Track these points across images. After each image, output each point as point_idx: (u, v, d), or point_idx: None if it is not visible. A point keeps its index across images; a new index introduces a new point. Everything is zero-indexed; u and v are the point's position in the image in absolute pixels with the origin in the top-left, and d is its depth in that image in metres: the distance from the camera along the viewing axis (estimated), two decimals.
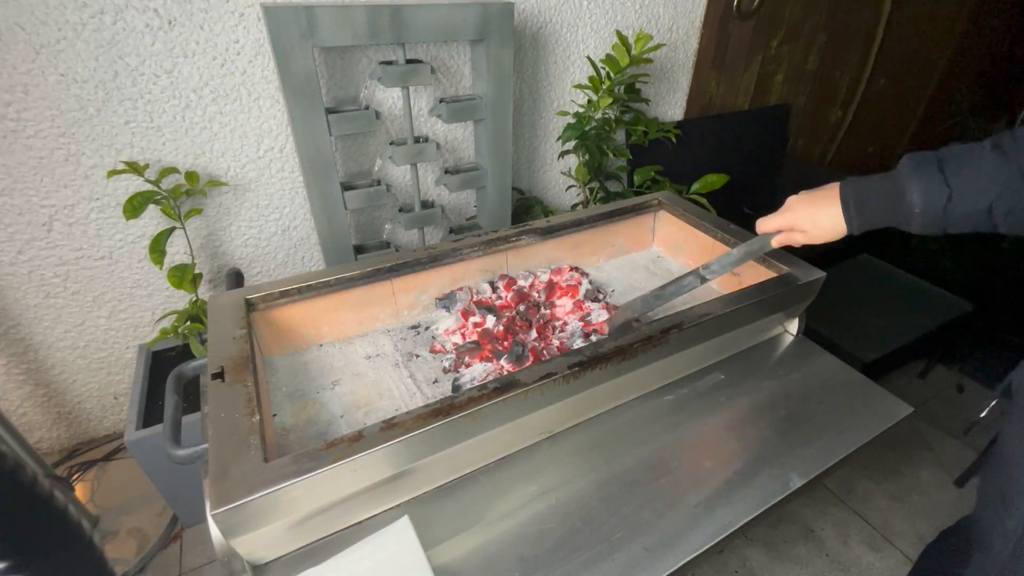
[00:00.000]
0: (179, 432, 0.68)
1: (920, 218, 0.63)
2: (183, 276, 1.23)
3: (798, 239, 0.77)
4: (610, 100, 1.51)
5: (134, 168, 1.14)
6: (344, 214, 1.36)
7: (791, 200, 0.77)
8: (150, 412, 1.22)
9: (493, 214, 1.58)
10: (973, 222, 0.60)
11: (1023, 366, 0.66)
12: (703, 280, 0.86)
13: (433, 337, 0.95)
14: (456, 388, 0.84)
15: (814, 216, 0.73)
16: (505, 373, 0.77)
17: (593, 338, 0.92)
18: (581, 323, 0.95)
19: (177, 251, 1.36)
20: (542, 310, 0.99)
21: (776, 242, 0.80)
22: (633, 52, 1.47)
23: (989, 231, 0.62)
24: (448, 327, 0.95)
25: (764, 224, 0.81)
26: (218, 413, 0.61)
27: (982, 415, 0.80)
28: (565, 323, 0.96)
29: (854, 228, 0.70)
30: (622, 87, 1.57)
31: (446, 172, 1.52)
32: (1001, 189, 0.57)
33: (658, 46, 1.49)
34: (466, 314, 0.96)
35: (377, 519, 0.68)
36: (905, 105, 2.82)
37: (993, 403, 0.79)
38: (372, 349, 0.93)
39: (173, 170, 1.23)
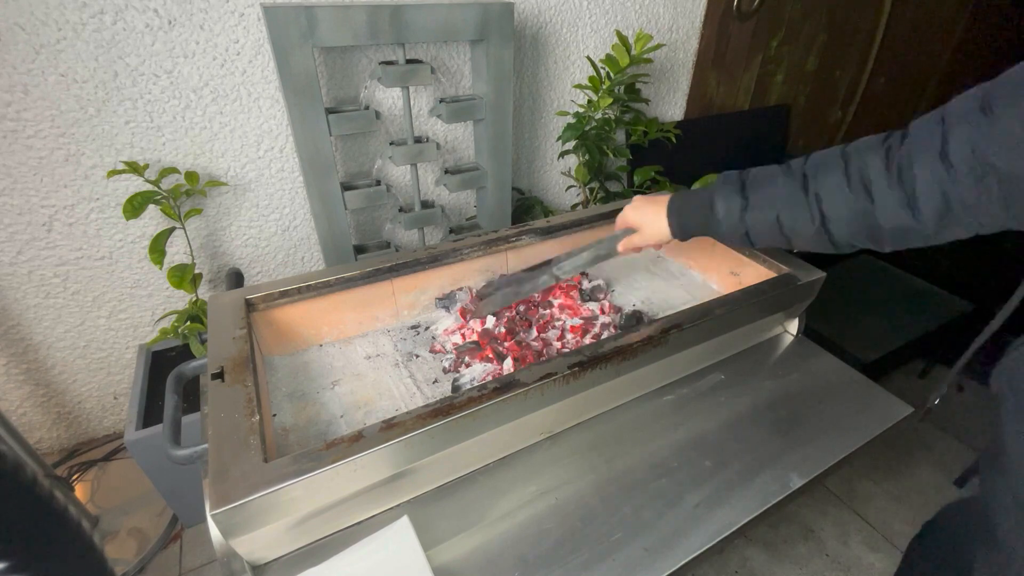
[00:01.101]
0: (179, 432, 0.68)
1: (724, 225, 0.71)
2: (183, 276, 1.23)
3: (635, 240, 0.83)
4: (610, 100, 1.51)
5: (134, 168, 1.14)
6: (344, 214, 1.36)
7: (636, 198, 0.84)
8: (150, 412, 1.22)
9: (493, 214, 1.58)
10: (769, 233, 0.68)
11: (1009, 361, 0.67)
12: (556, 279, 0.92)
13: (433, 337, 0.95)
14: (456, 388, 0.84)
15: (647, 215, 0.81)
16: (503, 374, 0.77)
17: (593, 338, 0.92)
18: (581, 323, 0.95)
19: (177, 251, 1.36)
20: (542, 310, 0.99)
21: (621, 246, 0.86)
22: (633, 52, 1.47)
23: (785, 246, 0.69)
24: (447, 327, 0.95)
25: (620, 218, 0.87)
26: (218, 413, 0.61)
27: (935, 402, 0.81)
28: (564, 323, 0.96)
29: (676, 233, 0.78)
30: (622, 87, 1.57)
31: (446, 172, 1.52)
32: (783, 205, 0.65)
33: (658, 46, 1.49)
34: (465, 313, 0.96)
35: (377, 519, 0.68)
36: (905, 105, 2.82)
37: (944, 391, 0.80)
38: (372, 349, 0.93)
39: (173, 170, 1.23)
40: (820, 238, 0.64)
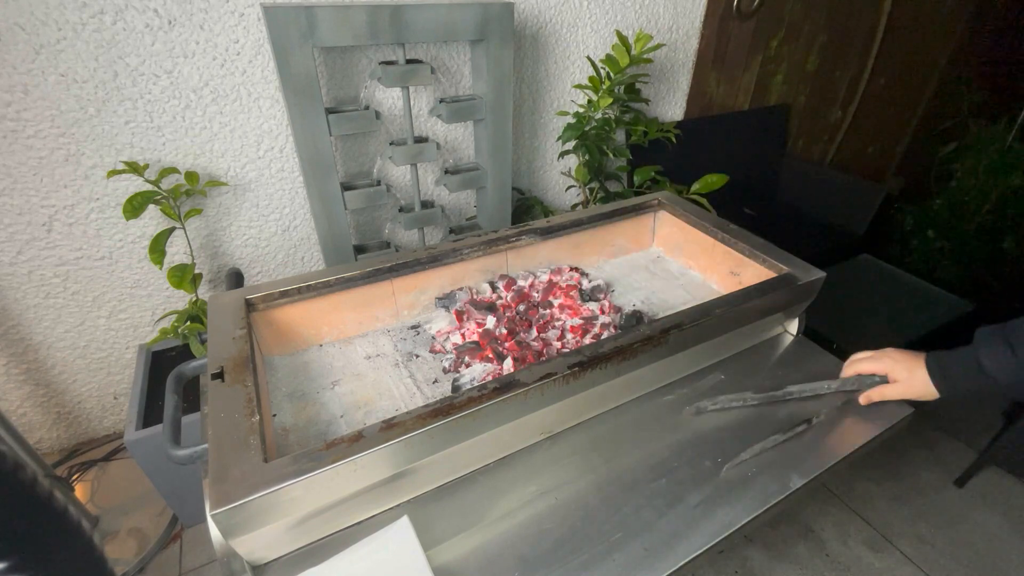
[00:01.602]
0: (179, 432, 0.68)
1: (1000, 380, 0.69)
2: (183, 276, 1.23)
3: (890, 392, 0.81)
4: (610, 100, 1.51)
5: (134, 168, 1.14)
6: (344, 214, 1.36)
7: (888, 350, 0.82)
8: (150, 412, 1.22)
9: (493, 214, 1.58)
10: None
11: None
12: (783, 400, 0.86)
13: (432, 337, 0.95)
14: (456, 388, 0.84)
15: (912, 369, 0.78)
16: (503, 374, 0.77)
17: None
18: (581, 323, 0.95)
19: (177, 251, 1.36)
20: (542, 310, 0.99)
21: (865, 398, 0.84)
22: (633, 52, 1.47)
23: None
24: (441, 328, 0.95)
25: (859, 365, 0.84)
26: (218, 413, 0.61)
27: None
28: (564, 323, 0.96)
29: (946, 393, 0.75)
30: (622, 87, 1.57)
31: (446, 172, 1.52)
32: None
33: (658, 46, 1.49)
34: (460, 315, 0.96)
35: (377, 519, 0.68)
36: (905, 105, 2.82)
37: None
38: (372, 349, 0.93)
39: (173, 170, 1.23)
40: None
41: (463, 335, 0.93)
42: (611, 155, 1.61)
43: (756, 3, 1.89)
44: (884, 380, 0.84)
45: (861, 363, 0.84)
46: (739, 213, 2.13)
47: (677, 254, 1.20)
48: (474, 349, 0.88)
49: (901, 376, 0.79)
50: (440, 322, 0.97)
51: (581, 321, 0.95)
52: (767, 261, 0.97)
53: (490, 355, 0.87)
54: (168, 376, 0.74)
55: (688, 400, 0.87)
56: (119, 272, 1.34)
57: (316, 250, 1.56)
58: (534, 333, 0.94)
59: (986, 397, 0.73)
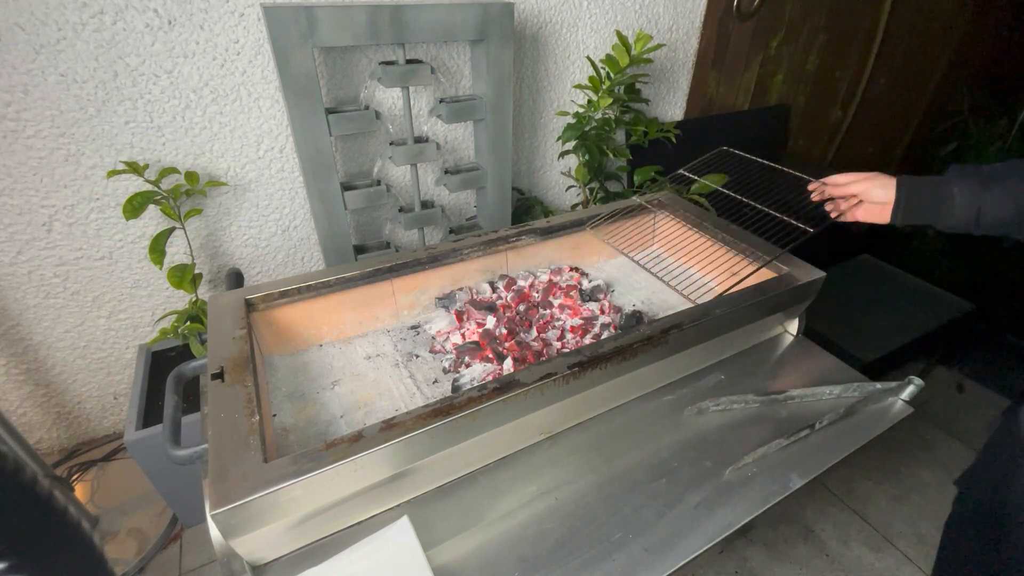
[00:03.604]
0: (179, 432, 0.68)
1: (957, 202, 0.74)
2: (183, 276, 1.23)
3: (845, 206, 0.86)
4: (610, 100, 1.51)
5: (134, 168, 1.14)
6: (344, 214, 1.36)
7: (873, 174, 0.86)
8: (150, 412, 1.22)
9: (493, 214, 1.58)
10: (1004, 215, 0.72)
11: None
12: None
13: (432, 337, 0.95)
14: (456, 388, 0.84)
15: (872, 186, 0.83)
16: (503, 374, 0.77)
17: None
18: (581, 323, 0.95)
19: (177, 251, 1.36)
20: (542, 310, 0.99)
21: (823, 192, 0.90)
22: (633, 52, 1.47)
23: (1015, 233, 0.73)
24: (441, 328, 0.95)
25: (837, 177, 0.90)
26: (218, 413, 0.61)
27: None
28: (564, 323, 0.96)
29: (899, 207, 0.80)
30: (622, 87, 1.57)
31: (446, 172, 1.52)
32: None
33: (658, 46, 1.49)
34: (460, 315, 0.96)
35: (377, 519, 0.68)
36: (905, 105, 2.82)
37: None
38: (372, 349, 0.93)
39: (173, 170, 1.23)
40: None
41: (463, 335, 0.93)
42: (611, 155, 1.61)
43: (756, 3, 1.89)
44: (891, 384, 0.84)
45: (836, 180, 0.89)
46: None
47: (677, 254, 1.20)
48: (474, 349, 0.88)
49: (860, 189, 0.85)
50: (440, 322, 0.97)
51: (581, 321, 0.95)
52: (767, 261, 0.97)
53: (490, 355, 0.87)
54: (168, 376, 0.74)
55: (688, 400, 0.87)
56: (119, 272, 1.34)
57: (316, 250, 1.56)
58: (534, 333, 0.94)
59: (930, 224, 0.79)
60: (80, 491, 1.41)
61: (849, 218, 0.88)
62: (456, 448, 0.66)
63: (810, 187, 0.95)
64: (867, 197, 0.84)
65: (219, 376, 0.67)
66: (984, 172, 0.76)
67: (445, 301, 1.00)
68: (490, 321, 0.94)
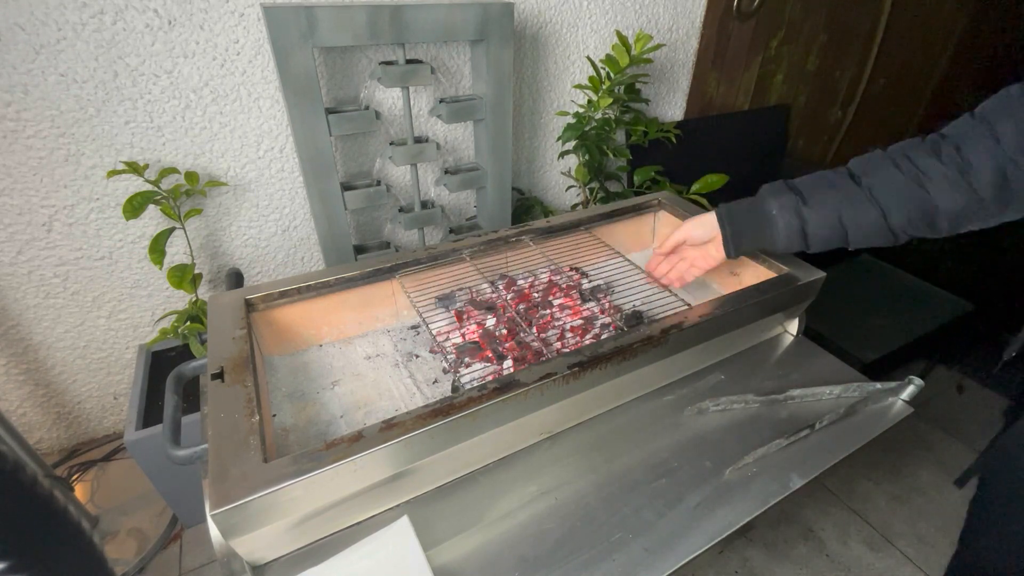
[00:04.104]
0: (179, 432, 0.68)
1: (779, 223, 0.74)
2: (183, 276, 1.23)
3: (684, 266, 0.88)
4: (610, 100, 1.51)
5: (134, 168, 1.14)
6: (344, 214, 1.36)
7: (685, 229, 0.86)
8: (150, 412, 1.22)
9: (493, 214, 1.58)
10: (829, 227, 0.71)
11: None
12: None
13: (433, 337, 0.95)
14: (456, 388, 0.84)
15: (690, 227, 0.84)
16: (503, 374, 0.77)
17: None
18: (581, 323, 0.95)
19: (177, 251, 1.36)
20: (542, 310, 0.99)
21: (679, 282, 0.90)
22: (633, 52, 1.47)
23: (842, 243, 0.72)
24: (441, 328, 0.95)
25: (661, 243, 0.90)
26: (218, 413, 0.61)
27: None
28: (564, 323, 0.96)
29: (729, 243, 0.80)
30: (622, 87, 1.57)
31: (446, 172, 1.52)
32: (841, 199, 0.69)
33: (658, 46, 1.49)
34: (460, 315, 0.96)
35: (377, 519, 0.68)
36: (905, 105, 2.82)
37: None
38: (372, 349, 0.93)
39: (173, 170, 1.23)
40: (881, 229, 0.69)
41: (463, 335, 0.93)
42: (611, 155, 1.61)
43: (756, 3, 1.89)
44: (891, 384, 0.84)
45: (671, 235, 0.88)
46: None
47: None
48: (474, 349, 0.88)
49: (695, 234, 0.84)
50: (440, 322, 0.97)
51: (581, 321, 0.95)
52: (767, 261, 0.97)
53: (490, 355, 0.87)
54: (168, 376, 0.74)
55: (688, 400, 0.87)
56: (119, 272, 1.34)
57: (316, 250, 1.56)
58: (534, 333, 0.94)
59: (763, 248, 0.81)
60: (80, 491, 1.41)
61: (691, 276, 0.88)
62: (456, 448, 0.66)
63: (648, 276, 0.96)
64: (692, 241, 0.84)
65: (219, 376, 0.67)
66: (795, 186, 0.75)
67: (445, 301, 1.00)
68: (490, 321, 0.94)
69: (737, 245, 0.80)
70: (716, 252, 0.84)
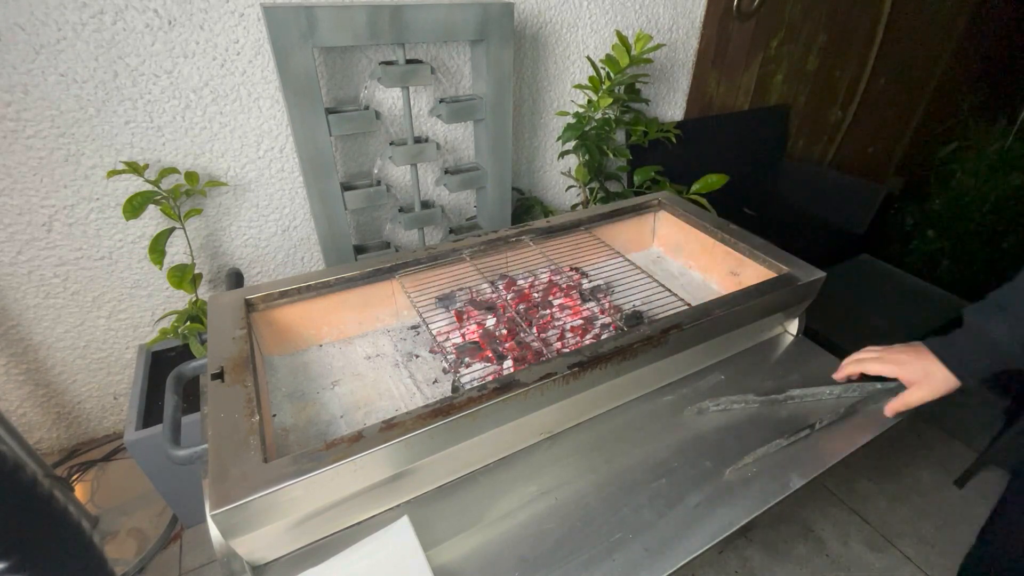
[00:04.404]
0: (179, 432, 0.68)
1: (1007, 343, 0.66)
2: (183, 276, 1.23)
3: (914, 399, 0.76)
4: (610, 100, 1.51)
5: (134, 168, 1.14)
6: (344, 214, 1.36)
7: (893, 349, 0.77)
8: (150, 412, 1.22)
9: (493, 214, 1.58)
10: None
11: None
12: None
13: (433, 337, 0.95)
14: (456, 388, 0.84)
15: (927, 368, 0.73)
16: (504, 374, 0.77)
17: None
18: (581, 323, 0.95)
19: (177, 251, 1.36)
20: (542, 310, 0.99)
21: (890, 410, 0.80)
22: (633, 52, 1.47)
23: None
24: (441, 328, 0.95)
25: (866, 365, 0.80)
26: (218, 413, 0.61)
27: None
28: (565, 323, 0.96)
29: (968, 379, 0.71)
30: (622, 87, 1.57)
31: (446, 172, 1.52)
32: None
33: (658, 46, 1.49)
34: (460, 315, 0.96)
35: (377, 519, 0.68)
36: (905, 105, 2.82)
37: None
38: (372, 349, 0.93)
39: (173, 170, 1.23)
40: None
41: (463, 335, 0.93)
42: (611, 155, 1.61)
43: (756, 3, 1.89)
44: (890, 384, 0.83)
45: (867, 363, 0.80)
46: (739, 213, 2.13)
47: (677, 254, 1.20)
48: (474, 349, 0.88)
49: (917, 377, 0.74)
50: (440, 322, 0.97)
51: (581, 321, 0.95)
52: (767, 261, 0.97)
53: (490, 355, 0.87)
54: (168, 376, 0.74)
55: (688, 400, 0.87)
56: (119, 272, 1.34)
57: (316, 250, 1.56)
58: (534, 333, 0.94)
59: (997, 371, 0.70)
60: (80, 491, 1.41)
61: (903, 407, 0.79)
62: (456, 448, 0.66)
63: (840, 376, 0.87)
64: (923, 386, 0.74)
65: (219, 376, 0.67)
66: (997, 302, 0.69)
67: (445, 301, 1.00)
68: (490, 321, 0.94)
69: (975, 379, 0.72)
70: (950, 384, 0.73)
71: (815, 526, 1.44)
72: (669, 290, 0.95)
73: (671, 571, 0.63)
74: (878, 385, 0.85)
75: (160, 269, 1.22)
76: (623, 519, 0.69)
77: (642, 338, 0.75)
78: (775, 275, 0.93)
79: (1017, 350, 0.66)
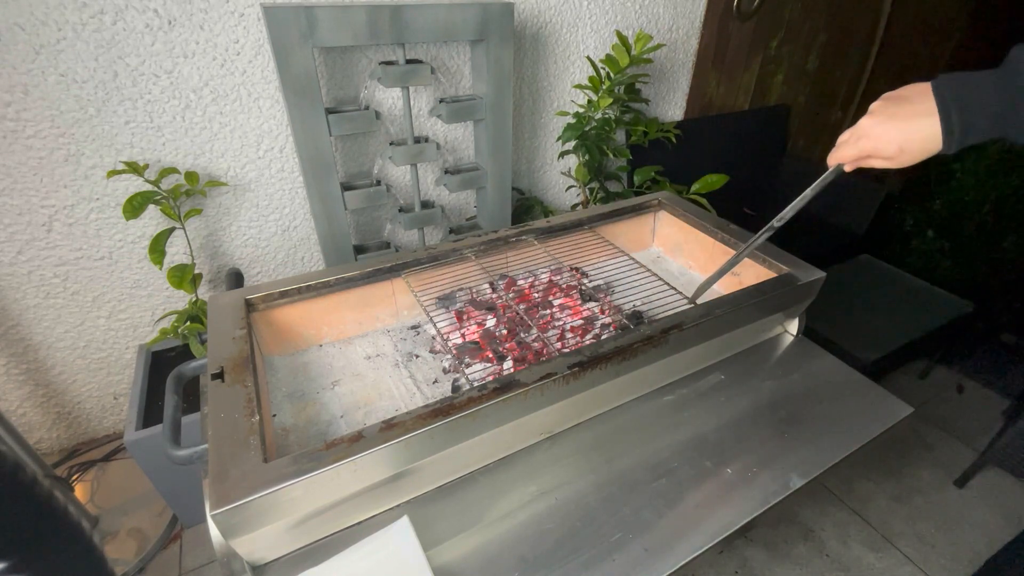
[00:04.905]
0: (179, 432, 0.68)
1: None
2: (183, 276, 1.23)
3: (877, 164, 0.64)
4: (610, 100, 1.51)
5: (134, 168, 1.14)
6: (344, 214, 1.36)
7: (866, 122, 0.63)
8: (150, 412, 1.22)
9: (493, 214, 1.58)
10: None
11: None
12: (773, 229, 0.83)
13: (432, 337, 0.95)
14: (456, 388, 0.84)
15: (902, 138, 0.59)
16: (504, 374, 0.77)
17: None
18: (581, 323, 0.95)
19: (177, 251, 1.36)
20: (542, 310, 0.99)
21: (850, 168, 0.68)
22: (633, 52, 1.47)
23: None
24: (441, 329, 0.95)
25: (837, 155, 0.68)
26: (218, 413, 0.61)
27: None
28: (564, 323, 0.96)
29: (954, 143, 0.56)
30: (622, 87, 1.57)
31: (446, 172, 1.52)
32: None
33: (658, 46, 1.49)
34: (460, 315, 0.96)
35: (377, 519, 0.68)
36: None
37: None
38: (372, 349, 0.93)
39: (173, 170, 1.23)
40: None
41: (463, 335, 0.93)
42: (611, 155, 1.61)
43: (756, 3, 1.89)
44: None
45: (841, 152, 0.68)
46: (739, 213, 2.13)
47: (677, 254, 1.20)
48: (474, 349, 0.88)
49: (889, 152, 0.62)
50: (440, 322, 0.97)
51: (581, 321, 0.95)
52: (767, 261, 0.97)
53: (490, 355, 0.87)
54: (168, 376, 0.74)
55: (688, 400, 0.87)
56: (119, 272, 1.34)
57: (316, 250, 1.56)
58: (534, 333, 0.94)
59: (986, 138, 0.57)
60: (80, 491, 1.41)
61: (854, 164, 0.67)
62: (456, 448, 0.66)
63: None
64: (899, 145, 0.61)
65: (219, 376, 0.67)
66: None
67: (445, 301, 1.00)
68: (490, 321, 0.94)
69: (964, 137, 0.56)
70: (923, 148, 0.60)
71: (815, 526, 1.44)
72: (674, 288, 0.95)
73: (671, 571, 0.63)
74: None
75: (160, 269, 1.22)
76: (623, 519, 0.69)
77: (642, 338, 0.75)
78: (775, 275, 0.93)
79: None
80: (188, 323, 1.24)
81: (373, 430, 0.60)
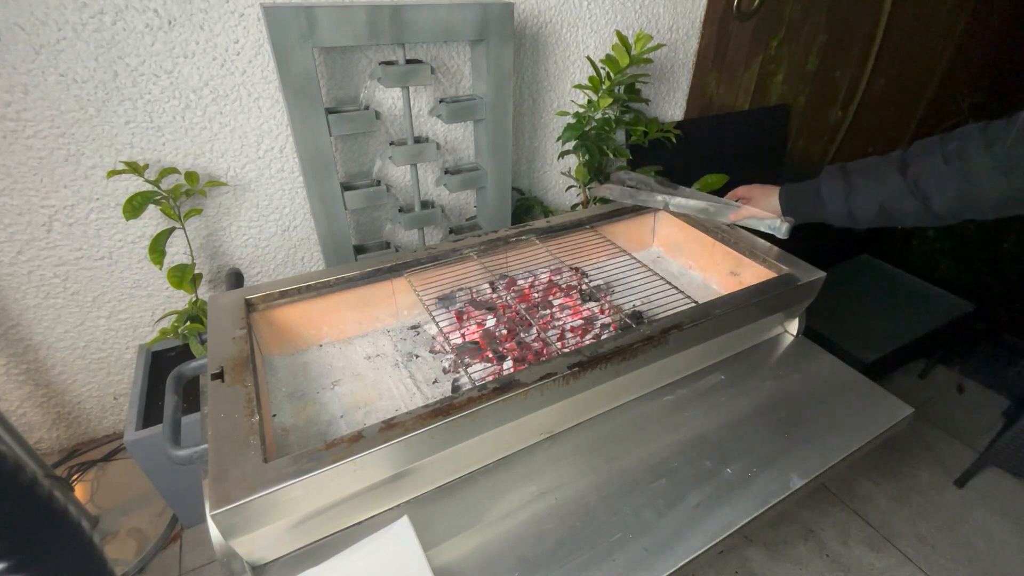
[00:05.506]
0: (179, 432, 0.68)
1: (828, 207, 0.85)
2: (183, 276, 1.23)
3: (749, 211, 1.00)
4: (610, 100, 1.51)
5: (134, 168, 1.14)
6: (344, 214, 1.36)
7: (752, 187, 1.03)
8: (150, 412, 1.22)
9: (493, 214, 1.58)
10: (873, 213, 0.80)
11: None
12: (665, 207, 1.13)
13: (432, 337, 0.95)
14: (456, 388, 0.84)
15: (761, 191, 0.99)
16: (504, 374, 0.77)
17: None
18: (581, 323, 0.95)
19: (177, 251, 1.36)
20: (542, 310, 0.99)
21: (734, 215, 1.04)
22: (633, 52, 1.47)
23: (888, 224, 0.81)
24: (441, 328, 0.95)
25: (740, 214, 1.03)
26: (218, 413, 0.61)
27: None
28: (564, 323, 0.96)
29: (786, 212, 0.95)
30: (622, 87, 1.57)
31: (446, 172, 1.52)
32: (883, 189, 0.78)
33: (658, 46, 1.49)
34: (460, 315, 0.96)
35: (377, 519, 0.68)
36: (905, 105, 2.82)
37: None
38: (372, 349, 0.93)
39: (173, 170, 1.23)
40: (924, 215, 0.76)
41: (463, 335, 0.93)
42: (611, 155, 1.61)
43: (756, 3, 1.89)
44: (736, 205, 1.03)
45: (741, 212, 1.03)
46: None
47: (677, 254, 1.20)
48: (474, 349, 0.88)
49: (757, 197, 1.00)
50: (441, 322, 0.97)
51: (581, 321, 0.95)
52: (767, 261, 0.97)
53: (490, 355, 0.87)
54: (168, 376, 0.74)
55: (688, 400, 0.87)
56: (119, 272, 1.34)
57: (316, 250, 1.56)
58: (534, 333, 0.94)
59: (815, 220, 0.91)
60: (80, 491, 1.41)
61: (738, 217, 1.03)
62: (456, 448, 0.66)
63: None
64: (758, 205, 0.99)
65: (219, 376, 0.67)
66: (850, 171, 0.83)
67: (445, 301, 1.00)
68: (490, 321, 0.94)
69: (794, 216, 0.94)
70: (776, 211, 0.97)
71: (815, 526, 1.44)
72: (675, 287, 0.95)
73: (671, 571, 0.64)
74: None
75: (160, 269, 1.22)
76: (623, 519, 0.69)
77: (642, 338, 0.75)
78: (775, 275, 0.93)
79: (839, 211, 0.84)
80: (188, 323, 1.24)
81: (373, 430, 0.60)
